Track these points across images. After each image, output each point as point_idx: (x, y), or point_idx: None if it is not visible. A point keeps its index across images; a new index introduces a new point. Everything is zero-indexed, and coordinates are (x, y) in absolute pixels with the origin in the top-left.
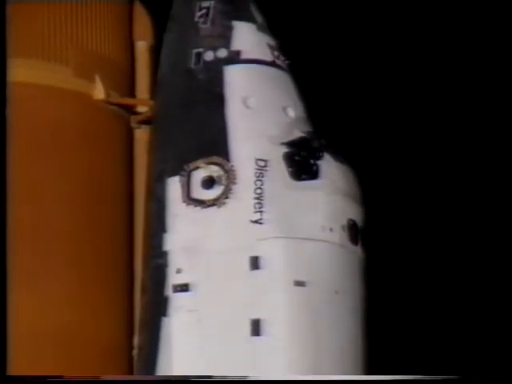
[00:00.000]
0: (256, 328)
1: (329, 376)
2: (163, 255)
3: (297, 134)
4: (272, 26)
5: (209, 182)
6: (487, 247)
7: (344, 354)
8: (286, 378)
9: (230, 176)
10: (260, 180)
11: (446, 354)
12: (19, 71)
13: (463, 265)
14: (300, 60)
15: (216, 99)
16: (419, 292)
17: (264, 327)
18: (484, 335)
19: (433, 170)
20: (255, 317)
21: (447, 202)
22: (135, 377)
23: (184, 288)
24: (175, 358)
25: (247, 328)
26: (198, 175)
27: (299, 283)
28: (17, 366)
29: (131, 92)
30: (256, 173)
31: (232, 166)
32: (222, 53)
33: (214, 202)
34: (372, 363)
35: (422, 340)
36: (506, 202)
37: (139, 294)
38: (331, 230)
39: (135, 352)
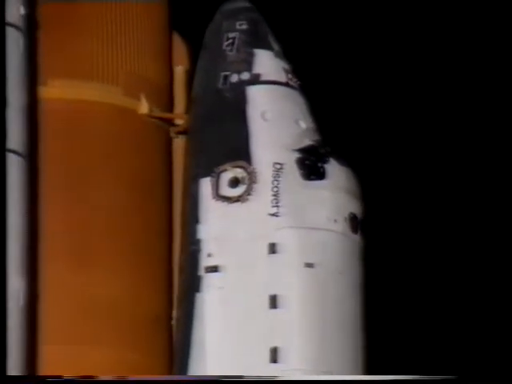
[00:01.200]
0: (273, 302)
1: (329, 376)
2: (197, 242)
3: (307, 142)
4: (286, 53)
5: (234, 182)
6: (479, 243)
7: (346, 325)
8: (288, 378)
9: (252, 177)
10: (276, 180)
11: (443, 354)
12: (80, 91)
13: (458, 260)
14: (309, 81)
15: (240, 113)
16: (414, 283)
17: (280, 301)
18: (480, 335)
19: (424, 171)
20: (273, 293)
21: (439, 199)
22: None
23: (214, 269)
24: (207, 325)
25: (266, 302)
26: (226, 176)
27: (309, 265)
28: (73, 339)
29: (170, 107)
30: (273, 174)
31: (253, 168)
32: (245, 75)
33: (239, 199)
34: (371, 364)
35: (420, 340)
36: (499, 196)
37: (177, 274)
38: (335, 221)
39: (174, 322)
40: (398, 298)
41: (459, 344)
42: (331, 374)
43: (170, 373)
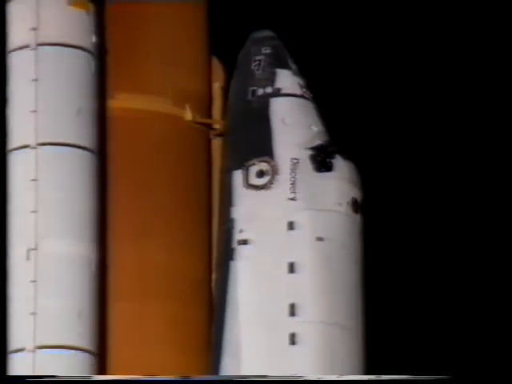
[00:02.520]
0: (291, 268)
1: (328, 376)
2: (231, 221)
3: (318, 142)
4: (301, 71)
5: (260, 174)
6: (468, 227)
7: (349, 286)
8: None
9: (274, 169)
10: (294, 172)
11: (437, 354)
12: (139, 102)
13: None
14: (319, 93)
15: (264, 120)
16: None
17: (296, 268)
18: (475, 336)
19: (414, 165)
20: (291, 261)
21: (428, 188)
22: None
23: (244, 242)
24: (239, 286)
25: (285, 269)
26: (253, 169)
27: (319, 239)
28: (134, 296)
29: (209, 115)
30: (291, 167)
31: (275, 162)
32: (269, 89)
33: (264, 186)
34: (368, 364)
35: (414, 340)
36: (494, 191)
37: (215, 246)
38: (340, 204)
39: (213, 284)
40: (392, 272)
41: (453, 344)
42: (337, 325)
43: (210, 325)
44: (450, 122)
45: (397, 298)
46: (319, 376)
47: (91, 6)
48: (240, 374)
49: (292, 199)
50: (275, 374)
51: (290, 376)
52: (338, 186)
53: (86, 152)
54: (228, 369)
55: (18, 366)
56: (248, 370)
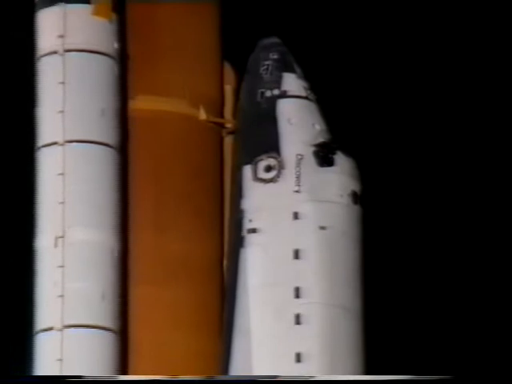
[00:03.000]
0: (296, 254)
1: (327, 376)
2: (241, 211)
3: (320, 139)
4: (305, 75)
5: (268, 168)
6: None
7: (349, 271)
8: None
9: (281, 164)
10: (298, 167)
11: (439, 354)
12: (158, 103)
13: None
14: (322, 95)
15: (272, 119)
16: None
17: (301, 254)
18: (477, 336)
19: (410, 160)
20: (296, 247)
21: (422, 182)
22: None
23: (253, 231)
24: (248, 271)
25: (291, 255)
26: (262, 164)
27: (322, 227)
28: (154, 280)
29: (221, 114)
30: (296, 162)
31: (282, 158)
32: (276, 92)
33: (271, 180)
34: (368, 364)
35: (415, 340)
36: (489, 182)
37: (227, 234)
38: (341, 196)
39: (225, 269)
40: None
41: (455, 344)
42: (339, 306)
43: (222, 307)
44: (443, 121)
45: (394, 283)
46: (323, 376)
47: (113, 15)
48: (249, 354)
49: (297, 191)
50: (281, 352)
51: (298, 376)
52: (338, 180)
53: (108, 148)
54: (239, 347)
55: (46, 344)
56: (257, 348)
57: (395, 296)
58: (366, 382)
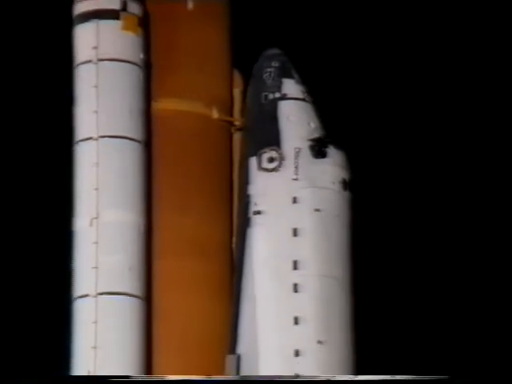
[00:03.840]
0: (295, 233)
1: (325, 376)
2: (248, 196)
3: (315, 135)
4: (302, 80)
5: (270, 160)
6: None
7: (340, 246)
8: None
9: (282, 156)
10: (297, 158)
11: (436, 354)
12: (177, 104)
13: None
14: (316, 98)
15: (274, 118)
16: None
17: (299, 232)
18: (473, 336)
19: (393, 152)
20: (294, 227)
21: (407, 171)
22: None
23: (258, 213)
24: (254, 247)
25: (290, 233)
26: (265, 156)
27: (317, 210)
28: (175, 253)
29: (231, 114)
30: (295, 154)
31: (282, 151)
32: (277, 95)
33: (273, 169)
34: (365, 363)
35: (412, 340)
36: (470, 171)
37: (236, 216)
38: (333, 183)
39: (234, 246)
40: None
41: (452, 344)
42: (331, 277)
43: (232, 277)
44: (425, 116)
45: (380, 258)
46: (324, 376)
47: (139, 30)
48: (254, 317)
49: (295, 179)
50: (281, 315)
51: (298, 376)
52: (331, 169)
53: (135, 143)
54: (246, 311)
55: (82, 308)
56: (261, 311)
57: (382, 274)
58: (366, 381)
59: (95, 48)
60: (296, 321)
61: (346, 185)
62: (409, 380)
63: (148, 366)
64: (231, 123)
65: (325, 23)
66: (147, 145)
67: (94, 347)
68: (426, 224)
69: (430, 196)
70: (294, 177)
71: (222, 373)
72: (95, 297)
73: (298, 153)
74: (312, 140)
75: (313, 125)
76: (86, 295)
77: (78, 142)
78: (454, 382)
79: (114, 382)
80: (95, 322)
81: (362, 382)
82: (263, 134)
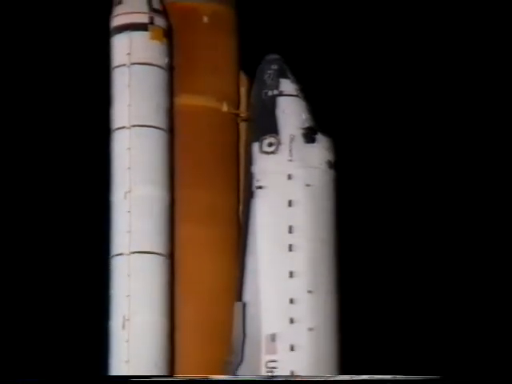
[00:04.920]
0: (290, 203)
1: (323, 376)
2: (251, 174)
3: (306, 124)
4: (296, 80)
5: (270, 144)
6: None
7: (327, 213)
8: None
9: (279, 141)
10: (291, 143)
11: (427, 354)
12: (195, 100)
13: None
14: (307, 95)
15: (272, 111)
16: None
17: (293, 203)
18: (466, 336)
19: (371, 136)
20: (289, 199)
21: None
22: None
23: (260, 187)
24: (256, 215)
25: (286, 204)
26: (265, 141)
27: (308, 185)
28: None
29: (238, 108)
30: (290, 140)
31: (279, 137)
32: (275, 92)
33: (272, 152)
34: (358, 364)
35: (403, 340)
36: (464, 178)
37: (242, 189)
38: (321, 163)
39: (240, 213)
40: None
41: (443, 344)
42: (318, 239)
43: (239, 237)
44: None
45: (360, 225)
46: (323, 376)
47: (164, 39)
48: (257, 271)
49: (290, 160)
50: (279, 270)
51: (299, 376)
52: (319, 152)
53: (160, 131)
54: (250, 267)
55: (118, 265)
56: (262, 267)
57: (363, 237)
58: (366, 381)
59: (128, 54)
60: (291, 274)
61: (332, 165)
62: (402, 380)
63: (171, 311)
64: (238, 115)
65: (314, 35)
66: (170, 132)
67: (128, 295)
68: (397, 197)
69: (402, 174)
70: (289, 158)
71: (231, 318)
72: (128, 255)
73: (292, 139)
74: (303, 129)
75: (304, 116)
76: (120, 254)
77: (114, 130)
78: (445, 382)
79: (133, 382)
80: (129, 275)
81: (362, 381)
82: (264, 123)
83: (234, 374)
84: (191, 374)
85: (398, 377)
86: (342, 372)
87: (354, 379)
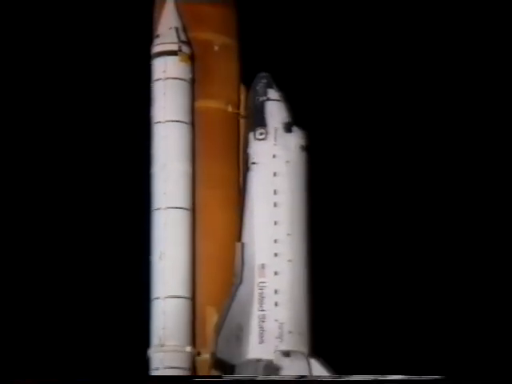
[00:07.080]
0: (275, 175)
1: (321, 376)
2: (248, 154)
3: (286, 120)
4: (280, 90)
5: (261, 133)
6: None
7: (301, 188)
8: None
9: (267, 132)
10: (276, 133)
11: (431, 354)
12: (209, 103)
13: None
14: (288, 100)
15: (262, 111)
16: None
17: (277, 174)
18: (469, 336)
19: (337, 124)
20: (274, 171)
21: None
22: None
23: (254, 163)
24: (252, 182)
25: (272, 174)
26: (258, 132)
27: (287, 162)
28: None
29: (239, 108)
30: (274, 131)
31: (267, 129)
32: (264, 98)
33: (262, 139)
34: (358, 362)
35: (407, 340)
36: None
37: (242, 164)
38: (295, 146)
39: (241, 182)
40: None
41: (447, 344)
42: (296, 209)
43: (240, 201)
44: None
45: (324, 189)
46: (325, 376)
47: (189, 61)
48: (252, 222)
49: (275, 144)
50: (267, 221)
51: (299, 376)
52: (295, 139)
53: (186, 124)
54: (247, 219)
55: (157, 217)
56: (256, 218)
57: (327, 204)
58: (366, 381)
59: (164, 71)
60: (275, 223)
61: (304, 148)
62: (403, 380)
63: (193, 250)
64: (239, 114)
65: (293, 59)
66: (192, 125)
67: (165, 237)
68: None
69: (361, 153)
70: (274, 143)
71: (234, 254)
72: (165, 209)
73: (276, 130)
74: (284, 123)
75: (284, 114)
76: (158, 208)
77: (154, 123)
78: (449, 382)
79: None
80: (165, 224)
81: (363, 382)
82: (256, 120)
83: (235, 292)
84: (207, 296)
85: (404, 377)
86: (312, 292)
87: (358, 379)
